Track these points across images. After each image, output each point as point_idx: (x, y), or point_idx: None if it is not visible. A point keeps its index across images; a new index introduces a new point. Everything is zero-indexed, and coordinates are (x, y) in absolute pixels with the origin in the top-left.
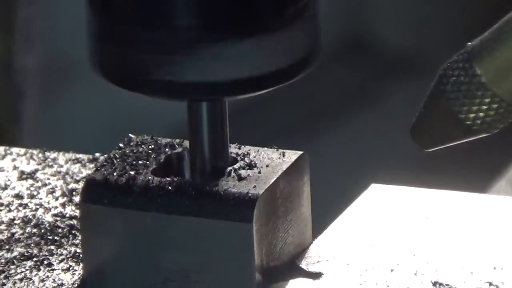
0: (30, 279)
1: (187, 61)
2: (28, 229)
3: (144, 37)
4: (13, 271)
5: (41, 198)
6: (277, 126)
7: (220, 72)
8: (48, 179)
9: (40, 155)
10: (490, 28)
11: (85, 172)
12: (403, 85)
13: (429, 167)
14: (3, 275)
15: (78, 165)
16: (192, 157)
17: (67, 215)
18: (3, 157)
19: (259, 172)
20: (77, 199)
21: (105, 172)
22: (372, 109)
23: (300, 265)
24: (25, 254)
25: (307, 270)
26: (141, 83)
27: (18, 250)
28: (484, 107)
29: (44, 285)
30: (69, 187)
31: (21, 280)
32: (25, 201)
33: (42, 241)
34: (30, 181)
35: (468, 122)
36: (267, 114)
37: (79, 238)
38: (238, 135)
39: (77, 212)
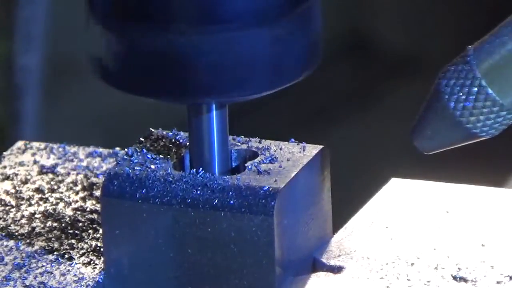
0: (51, 273)
1: (188, 65)
2: (49, 223)
3: (145, 40)
4: (34, 265)
5: (61, 192)
6: (277, 126)
7: (220, 75)
8: (68, 173)
9: (60, 149)
10: (491, 31)
11: (105, 166)
12: (404, 86)
13: (445, 163)
14: (24, 269)
15: (98, 159)
16: (192, 159)
17: (88, 209)
18: (23, 151)
19: (280, 166)
20: (97, 193)
21: (126, 166)
22: (383, 105)
23: (321, 259)
24: (46, 248)
25: (328, 264)
26: (142, 87)
27: (39, 244)
28: (485, 110)
29: (65, 279)
30: (90, 181)
31: (42, 274)
32: (46, 195)
33: (63, 235)
34: (50, 175)
35: (468, 125)
36: (266, 115)
37: (100, 232)
38: (247, 133)
39: (97, 206)
